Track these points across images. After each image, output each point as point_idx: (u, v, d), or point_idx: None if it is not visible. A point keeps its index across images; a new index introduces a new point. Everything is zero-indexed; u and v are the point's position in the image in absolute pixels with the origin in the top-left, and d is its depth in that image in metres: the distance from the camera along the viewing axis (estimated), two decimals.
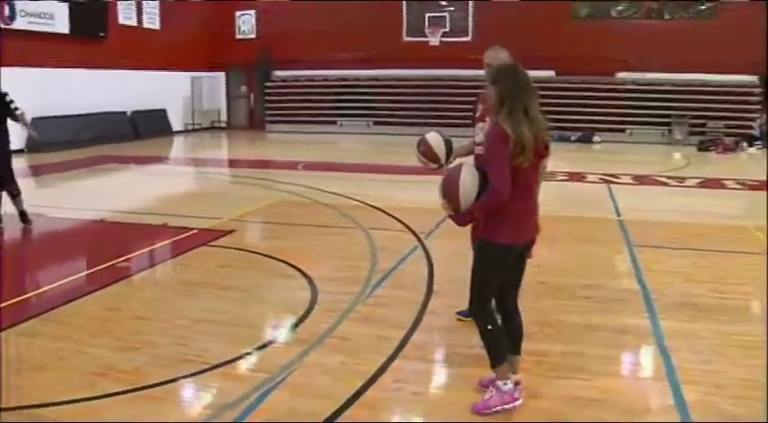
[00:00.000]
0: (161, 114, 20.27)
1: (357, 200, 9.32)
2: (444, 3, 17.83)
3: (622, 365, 3.98)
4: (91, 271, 5.88)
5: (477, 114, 4.39)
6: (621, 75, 20.27)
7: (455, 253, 6.47)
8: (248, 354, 4.02)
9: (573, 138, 19.77)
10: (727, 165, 14.86)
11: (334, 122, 21.50)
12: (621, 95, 20.08)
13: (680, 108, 19.27)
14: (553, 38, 19.46)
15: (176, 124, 21.07)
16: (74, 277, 5.69)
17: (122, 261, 6.03)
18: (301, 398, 3.49)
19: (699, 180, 11.90)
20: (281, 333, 4.48)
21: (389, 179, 12.05)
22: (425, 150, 4.31)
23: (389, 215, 8.27)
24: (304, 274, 5.72)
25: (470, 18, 17.45)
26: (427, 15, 17.48)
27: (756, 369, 3.87)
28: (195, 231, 7.35)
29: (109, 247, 6.85)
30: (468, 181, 3.24)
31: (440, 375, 3.89)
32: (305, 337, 4.31)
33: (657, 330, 4.50)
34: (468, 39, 17.74)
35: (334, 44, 20.46)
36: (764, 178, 12.82)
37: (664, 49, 19.17)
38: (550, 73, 20.52)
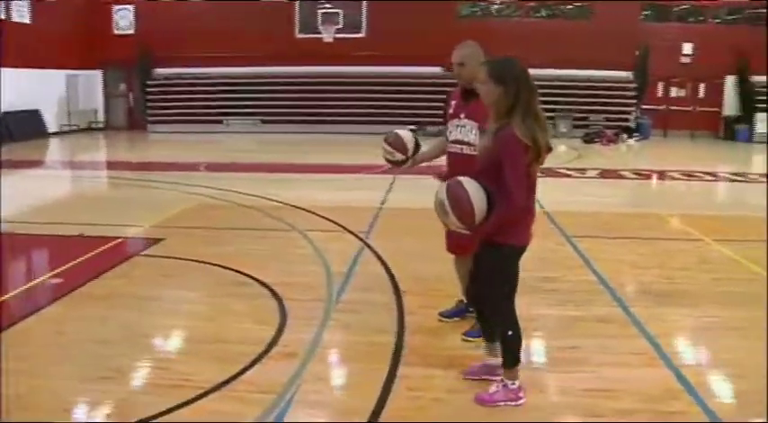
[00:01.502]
0: (34, 115, 18.68)
1: (276, 200, 9.01)
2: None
3: (620, 355, 4.03)
4: (19, 291, 5.22)
5: (451, 111, 4.25)
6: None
7: (404, 251, 6.44)
8: (242, 373, 3.70)
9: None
10: (614, 155, 15.81)
11: (219, 122, 20.77)
12: None
13: (564, 102, 20.30)
14: (441, 35, 19.84)
15: (51, 125, 19.51)
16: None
17: (52, 277, 5.41)
18: (322, 414, 3.27)
19: (597, 171, 12.55)
20: (266, 347, 4.15)
21: (300, 178, 11.78)
22: (394, 140, 4.26)
23: (318, 216, 8.03)
24: (259, 281, 5.40)
25: (364, 14, 17.33)
26: (320, 12, 17.20)
27: (736, 347, 4.12)
28: (120, 241, 6.77)
29: (30, 262, 6.16)
30: (478, 197, 3.13)
31: (451, 379, 3.75)
32: (293, 351, 4.04)
33: (634, 318, 4.63)
34: (362, 35, 17.65)
35: (222, 41, 19.72)
36: (649, 168, 13.79)
37: (544, 46, 20.08)
38: (437, 69, 20.92)
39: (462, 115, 4.09)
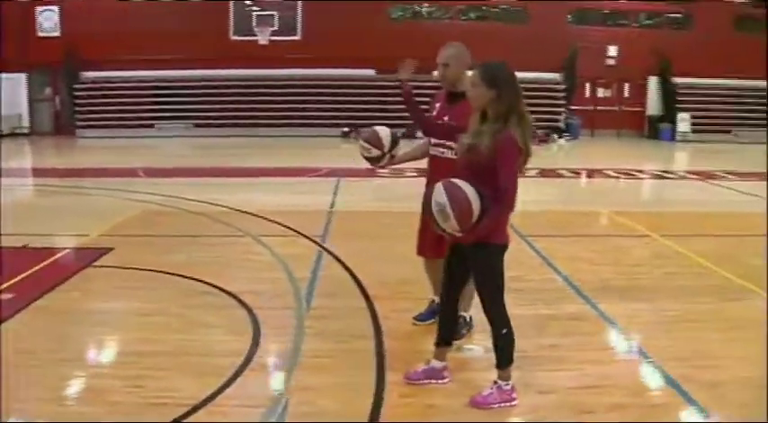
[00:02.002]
0: None
1: (223, 206, 8.82)
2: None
3: (599, 351, 4.13)
4: None
5: (434, 114, 4.25)
6: (437, 72, 21.27)
7: (364, 254, 6.41)
8: (225, 387, 3.57)
9: (399, 133, 20.26)
10: (548, 155, 16.20)
11: (151, 126, 20.13)
12: (440, 92, 21.08)
13: None
14: (373, 37, 19.93)
15: None
16: None
17: (2, 292, 5.08)
18: None
19: (537, 170, 12.75)
20: (244, 359, 4.03)
21: (243, 182, 11.56)
22: (369, 136, 4.29)
23: (269, 220, 7.89)
24: (223, 290, 5.24)
25: (299, 17, 17.14)
26: (255, 14, 16.89)
27: (704, 339, 4.31)
28: (68, 251, 6.45)
29: None
30: (475, 198, 3.14)
31: (439, 384, 3.73)
32: (274, 361, 3.94)
33: (603, 315, 4.75)
34: (298, 37, 17.47)
35: (154, 43, 19.07)
36: (583, 167, 14.25)
37: (475, 48, 20.30)
38: (370, 72, 20.98)
39: (446, 118, 4.08)
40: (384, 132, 4.29)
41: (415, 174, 12.17)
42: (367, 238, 7.34)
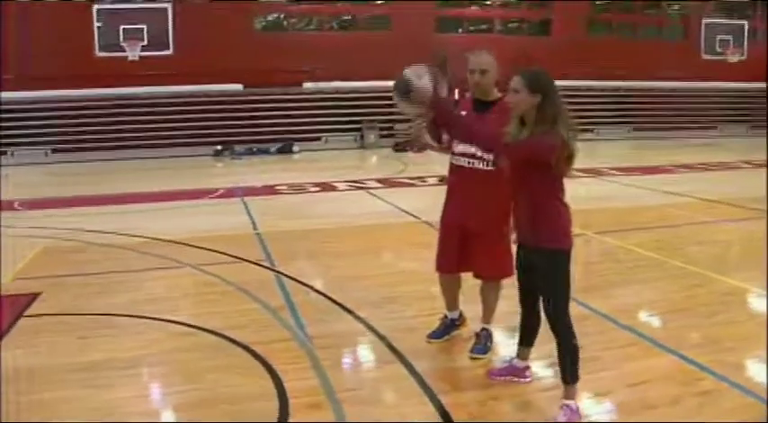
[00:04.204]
0: None
1: (137, 235, 8.16)
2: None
3: (618, 349, 4.25)
4: None
5: None
6: (308, 85, 21.16)
7: (326, 276, 6.22)
8: None
9: (273, 149, 20.00)
10: (433, 161, 16.55)
11: (4, 152, 18.19)
12: (312, 105, 21.01)
13: (368, 114, 20.89)
14: (240, 50, 19.40)
15: None
16: None
17: None
18: None
19: (436, 178, 12.93)
20: (279, 401, 3.69)
21: (139, 209, 10.58)
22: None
23: (198, 247, 7.40)
24: (200, 328, 4.82)
25: (170, 30, 16.27)
26: (122, 27, 15.78)
27: (703, 325, 4.65)
28: None
29: None
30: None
31: (497, 400, 3.64)
32: (314, 400, 3.65)
33: (598, 312, 4.95)
34: (170, 52, 16.57)
35: (7, 62, 17.19)
36: None
37: (344, 58, 20.49)
38: (238, 86, 20.43)
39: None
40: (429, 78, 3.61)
41: (317, 189, 12.09)
42: (314, 258, 7.12)
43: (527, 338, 3.73)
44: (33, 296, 5.73)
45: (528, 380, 3.77)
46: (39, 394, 3.80)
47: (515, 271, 3.69)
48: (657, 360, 4.06)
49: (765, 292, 5.28)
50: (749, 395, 3.52)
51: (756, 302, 5.25)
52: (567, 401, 3.37)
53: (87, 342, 4.64)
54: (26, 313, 5.31)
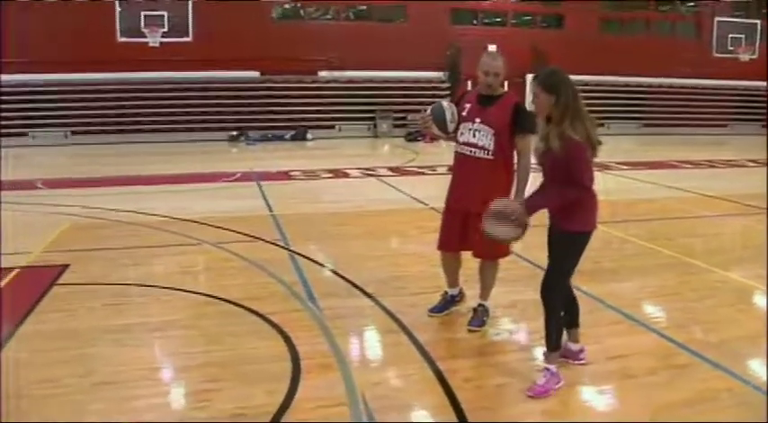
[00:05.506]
0: None
1: (158, 215, 8.56)
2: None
3: (608, 326, 4.61)
4: None
5: (465, 114, 4.44)
6: (323, 73, 21.47)
7: (338, 255, 6.60)
8: (293, 390, 3.65)
9: (287, 136, 20.36)
10: (444, 152, 16.88)
11: (24, 134, 18.65)
12: (327, 93, 21.31)
13: (382, 103, 21.21)
14: (258, 39, 19.75)
15: None
16: None
17: None
18: (414, 416, 3.38)
19: (445, 167, 13.30)
20: (292, 363, 4.07)
21: (159, 190, 11.01)
22: (437, 118, 4.42)
23: (216, 227, 7.79)
24: (220, 298, 5.22)
25: (190, 18, 16.61)
26: (143, 14, 16.15)
27: (688, 308, 4.98)
28: (18, 271, 6.03)
29: None
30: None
31: (492, 365, 4.01)
32: (325, 362, 4.04)
33: (592, 295, 5.25)
34: (189, 39, 16.93)
35: (30, 45, 17.62)
36: None
37: (359, 48, 20.79)
38: (255, 73, 20.76)
39: (478, 120, 4.33)
40: (450, 115, 4.39)
41: (330, 176, 12.47)
42: (326, 239, 7.47)
43: (569, 320, 3.97)
44: (63, 267, 6.16)
45: (582, 361, 3.94)
46: (82, 349, 4.25)
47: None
48: (639, 337, 4.41)
49: (757, 285, 5.58)
50: (718, 369, 3.87)
51: (743, 291, 5.56)
52: (548, 366, 3.72)
53: (118, 308, 5.07)
54: (58, 282, 5.73)
